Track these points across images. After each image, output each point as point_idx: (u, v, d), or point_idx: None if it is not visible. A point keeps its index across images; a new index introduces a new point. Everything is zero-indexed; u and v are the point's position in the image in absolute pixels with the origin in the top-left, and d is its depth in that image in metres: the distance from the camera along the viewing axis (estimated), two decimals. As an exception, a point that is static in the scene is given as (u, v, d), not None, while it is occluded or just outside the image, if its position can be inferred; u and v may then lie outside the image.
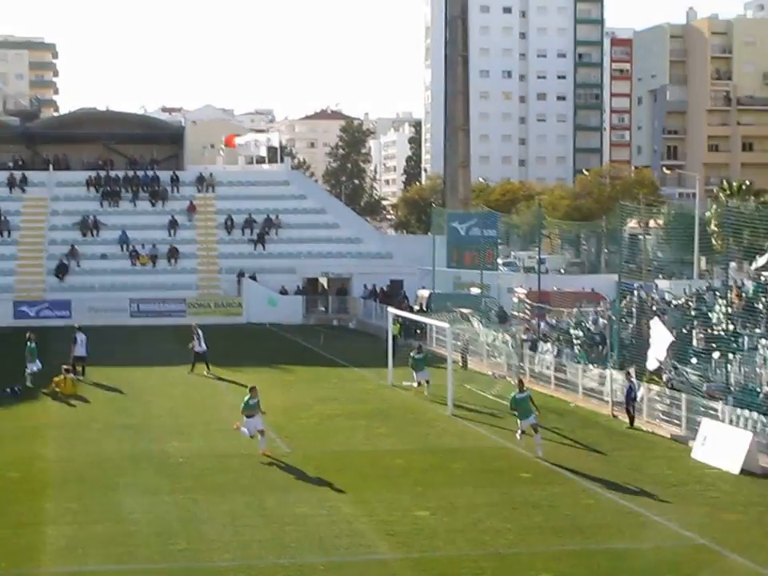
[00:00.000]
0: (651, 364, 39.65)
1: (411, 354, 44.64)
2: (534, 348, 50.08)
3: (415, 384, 44.38)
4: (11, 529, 25.13)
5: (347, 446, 34.57)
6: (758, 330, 40.00)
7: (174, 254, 79.29)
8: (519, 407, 33.57)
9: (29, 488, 29.04)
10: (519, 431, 33.63)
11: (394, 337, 49.09)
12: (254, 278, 76.49)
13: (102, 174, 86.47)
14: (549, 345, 49.63)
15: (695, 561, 23.04)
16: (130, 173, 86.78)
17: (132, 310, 73.93)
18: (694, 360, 39.89)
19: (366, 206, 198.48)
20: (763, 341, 38.31)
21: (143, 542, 24.11)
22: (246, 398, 33.21)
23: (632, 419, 37.91)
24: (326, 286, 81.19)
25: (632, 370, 39.66)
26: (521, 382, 35.00)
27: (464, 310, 56.35)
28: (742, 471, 30.83)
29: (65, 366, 45.27)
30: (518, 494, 28.34)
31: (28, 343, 46.53)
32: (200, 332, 49.83)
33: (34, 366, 46.48)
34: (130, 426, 37.82)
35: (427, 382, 43.89)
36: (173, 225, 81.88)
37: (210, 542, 24.14)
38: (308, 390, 45.66)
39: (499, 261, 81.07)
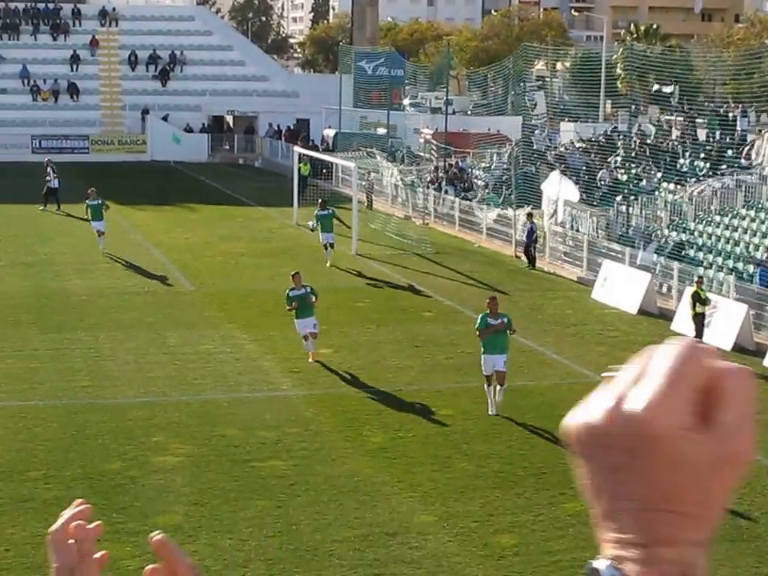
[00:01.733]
0: (555, 217, 40.13)
1: (315, 211, 39.04)
2: (438, 189, 50.27)
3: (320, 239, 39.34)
4: None
5: (251, 284, 34.68)
6: (659, 174, 40.48)
7: (75, 89, 77.70)
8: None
9: (-71, 324, 28.86)
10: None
11: (302, 176, 48.90)
12: (165, 119, 75.40)
13: (1, 5, 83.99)
14: (452, 186, 49.83)
15: (591, 397, 23.67)
16: (30, 5, 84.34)
17: (34, 146, 72.63)
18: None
19: (272, 44, 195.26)
20: (664, 184, 38.82)
21: (46, 379, 24.17)
22: (287, 290, 26.05)
23: (532, 260, 38.38)
24: (231, 125, 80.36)
25: (534, 212, 40.05)
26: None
27: (370, 150, 56.28)
28: (640, 311, 31.56)
29: None
30: (420, 333, 28.76)
31: None
32: (53, 167, 49.99)
33: None
34: (33, 263, 37.54)
35: (331, 245, 38.14)
36: (75, 60, 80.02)
37: (113, 379, 24.28)
38: (212, 228, 45.52)
39: (406, 101, 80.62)
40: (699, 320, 27.87)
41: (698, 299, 27.86)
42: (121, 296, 32.57)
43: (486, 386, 22.48)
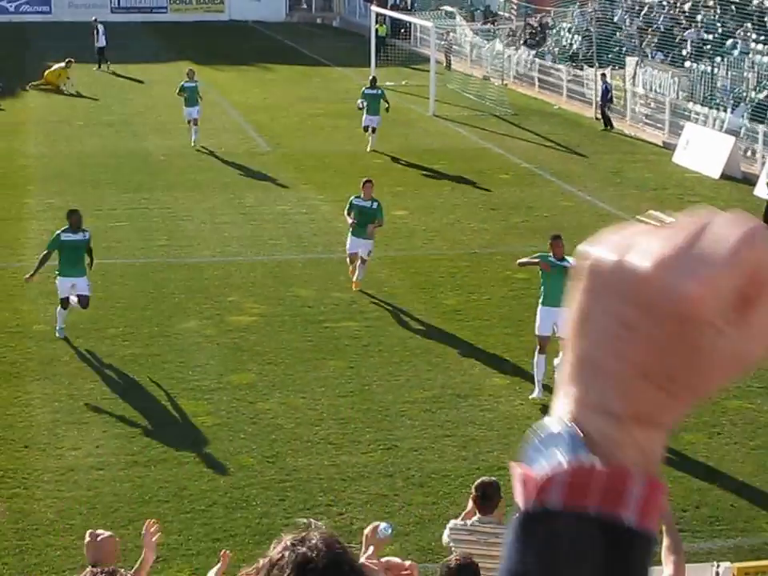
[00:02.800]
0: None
1: (363, 89, 34.56)
2: (516, 49, 49.48)
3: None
4: (-6, 223, 25.44)
5: (328, 145, 34.56)
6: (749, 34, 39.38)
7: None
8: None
9: (10, 183, 29.17)
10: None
11: (379, 36, 48.34)
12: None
13: None
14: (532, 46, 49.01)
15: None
16: None
17: (113, 5, 72.34)
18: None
19: None
20: (752, 45, 37.75)
21: (124, 237, 24.42)
22: (351, 198, 21.72)
23: (608, 121, 37.79)
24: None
25: (608, 71, 39.27)
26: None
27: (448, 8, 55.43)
28: (723, 176, 31.02)
29: (69, 59, 44.47)
30: (496, 195, 28.58)
31: None
32: (100, 27, 49.67)
33: None
34: (111, 123, 37.68)
35: (374, 129, 33.52)
36: None
37: (189, 239, 24.48)
38: (289, 89, 45.28)
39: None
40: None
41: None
42: (197, 156, 32.65)
43: None
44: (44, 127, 36.82)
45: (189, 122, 33.93)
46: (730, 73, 36.67)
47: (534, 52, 48.18)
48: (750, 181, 30.33)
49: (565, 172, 31.40)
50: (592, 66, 41.58)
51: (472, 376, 17.62)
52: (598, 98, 39.06)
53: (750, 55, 36.91)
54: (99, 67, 49.21)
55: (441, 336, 19.20)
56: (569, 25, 49.11)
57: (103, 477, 14.28)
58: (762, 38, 37.36)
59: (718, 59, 37.39)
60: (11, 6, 70.48)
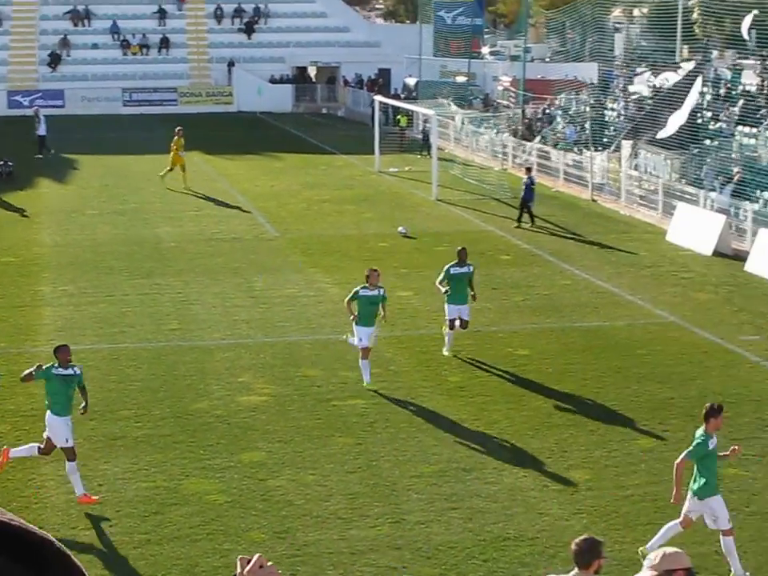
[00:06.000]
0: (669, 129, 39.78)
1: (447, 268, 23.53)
2: (515, 135, 50.51)
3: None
4: (9, 310, 26.09)
5: (334, 229, 35.37)
6: (735, 118, 40.38)
7: (165, 43, 78.57)
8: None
9: (26, 272, 29.90)
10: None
11: (401, 126, 49.47)
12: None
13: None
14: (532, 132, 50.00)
15: (665, 337, 24.11)
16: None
17: (125, 99, 73.79)
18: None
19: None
20: (739, 128, 38.73)
21: (137, 322, 25.07)
22: (357, 288, 21.15)
23: (531, 217, 36.19)
24: (314, 77, 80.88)
25: (601, 155, 40.04)
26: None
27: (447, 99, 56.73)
28: (715, 253, 31.81)
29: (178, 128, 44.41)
30: (498, 275, 29.28)
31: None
32: (41, 116, 51.06)
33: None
34: (123, 211, 38.53)
35: (463, 324, 23.15)
36: (162, 14, 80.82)
37: (200, 322, 25.12)
38: (297, 176, 46.22)
39: (485, 49, 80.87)
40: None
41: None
42: (208, 242, 33.42)
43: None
44: (57, 216, 37.64)
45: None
46: (719, 154, 37.72)
47: (535, 138, 49.19)
48: (741, 257, 31.08)
49: (563, 252, 32.17)
50: (588, 150, 42.58)
51: (476, 450, 18.04)
52: (594, 180, 39.83)
53: (737, 137, 37.98)
54: (40, 153, 50.28)
55: (446, 412, 19.71)
56: (565, 111, 50.34)
57: (117, 556, 14.63)
58: (748, 119, 38.50)
59: (707, 141, 38.44)
60: (26, 101, 71.92)
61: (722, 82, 41.34)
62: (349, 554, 14.63)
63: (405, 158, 50.29)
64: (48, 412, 16.30)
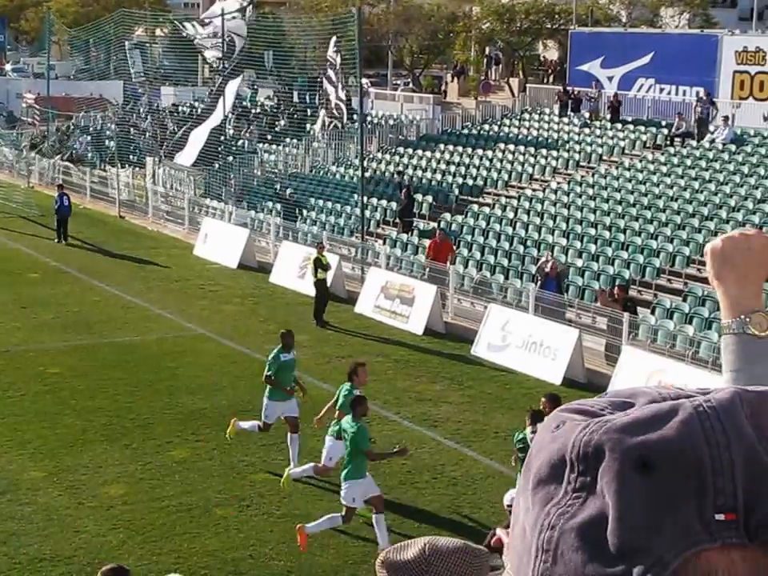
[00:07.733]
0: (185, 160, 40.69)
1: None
2: (40, 152, 50.04)
3: None
4: None
5: None
6: (257, 135, 42.01)
7: None
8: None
9: None
10: None
11: None
12: None
13: None
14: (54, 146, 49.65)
15: (195, 349, 24.80)
16: None
17: None
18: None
19: None
20: (260, 144, 40.42)
21: None
22: (346, 387, 16.61)
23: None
24: None
25: (130, 171, 40.64)
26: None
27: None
28: (240, 266, 32.99)
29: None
30: (26, 294, 28.97)
31: None
32: None
33: None
34: None
35: None
36: None
37: None
38: None
39: (8, 66, 79.75)
40: (321, 285, 27.56)
41: (320, 265, 27.40)
42: None
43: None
44: None
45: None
46: (242, 170, 39.18)
47: (59, 155, 48.91)
48: (266, 269, 32.34)
49: (93, 268, 32.26)
50: (114, 167, 42.90)
51: (9, 471, 17.72)
52: (121, 197, 40.19)
53: (259, 154, 39.68)
54: None
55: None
56: (84, 129, 50.51)
57: None
58: (269, 137, 40.31)
59: (231, 158, 39.87)
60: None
61: (243, 99, 42.88)
62: None
63: None
64: None
